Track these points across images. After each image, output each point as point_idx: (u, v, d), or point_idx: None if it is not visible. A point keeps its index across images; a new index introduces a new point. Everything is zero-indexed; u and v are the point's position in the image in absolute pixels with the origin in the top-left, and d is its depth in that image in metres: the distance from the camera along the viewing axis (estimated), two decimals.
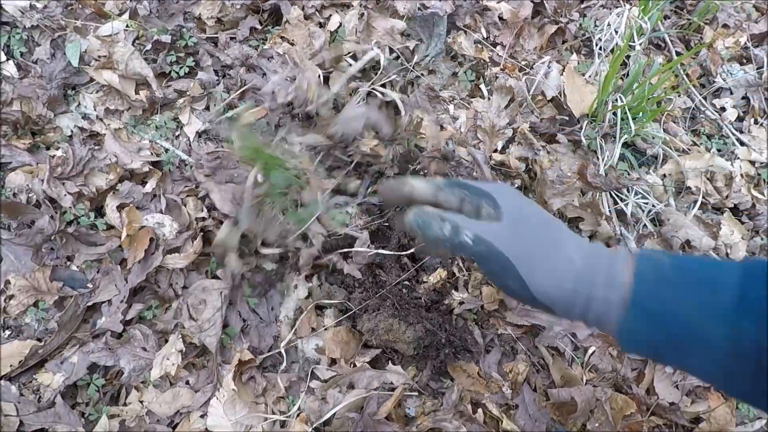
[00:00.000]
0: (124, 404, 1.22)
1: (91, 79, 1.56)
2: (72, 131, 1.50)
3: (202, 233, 1.39)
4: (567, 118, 1.66)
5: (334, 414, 1.25)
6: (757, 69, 1.87)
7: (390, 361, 1.39)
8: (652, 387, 1.44)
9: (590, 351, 1.45)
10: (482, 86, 1.76)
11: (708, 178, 1.67)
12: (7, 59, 1.54)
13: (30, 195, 1.36)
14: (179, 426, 1.22)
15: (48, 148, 1.46)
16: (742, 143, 1.77)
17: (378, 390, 1.31)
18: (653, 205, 1.59)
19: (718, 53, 1.89)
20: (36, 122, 1.46)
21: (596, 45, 1.79)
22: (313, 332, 1.39)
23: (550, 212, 1.52)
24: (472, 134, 1.69)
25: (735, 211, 1.67)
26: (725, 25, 1.94)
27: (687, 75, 1.84)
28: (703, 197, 1.64)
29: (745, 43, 1.91)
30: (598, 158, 1.62)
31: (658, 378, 1.43)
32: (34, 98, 1.46)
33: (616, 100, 1.63)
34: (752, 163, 1.74)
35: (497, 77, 1.73)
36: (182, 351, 1.26)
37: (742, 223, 1.63)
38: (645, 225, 1.58)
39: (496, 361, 1.42)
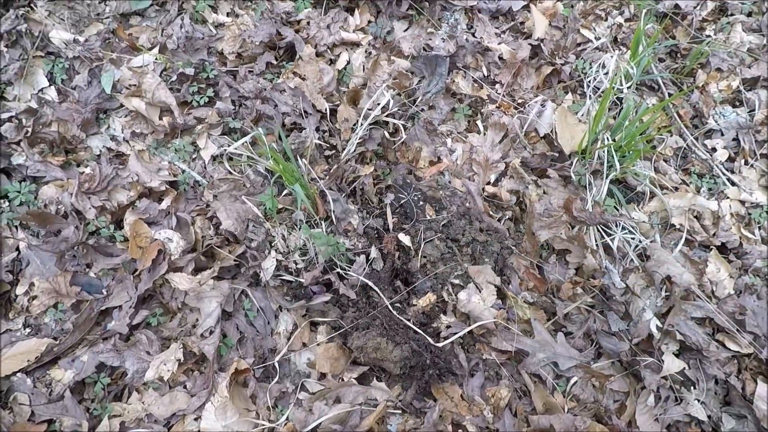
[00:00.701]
0: (127, 403, 1.32)
1: (121, 105, 1.73)
2: (101, 151, 1.66)
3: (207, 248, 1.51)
4: (558, 155, 1.75)
5: (319, 425, 1.32)
6: (749, 111, 1.93)
7: (377, 379, 1.46)
8: (633, 419, 1.46)
9: (572, 381, 1.49)
10: (479, 122, 1.86)
11: (695, 217, 1.72)
12: (50, 85, 1.73)
13: (59, 206, 1.51)
14: (174, 427, 1.31)
15: (78, 165, 1.62)
16: (732, 183, 1.81)
17: (362, 405, 1.37)
18: (640, 241, 1.64)
19: (710, 96, 1.96)
20: (70, 142, 1.63)
21: (587, 86, 1.89)
22: (305, 347, 1.48)
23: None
24: (467, 166, 1.79)
25: (723, 249, 1.70)
26: (718, 69, 2.01)
27: (679, 116, 1.91)
28: (690, 235, 1.69)
29: (738, 86, 1.98)
30: (587, 193, 1.70)
31: (639, 411, 1.46)
32: (70, 121, 1.63)
33: (605, 139, 1.71)
34: (742, 202, 1.78)
35: (493, 114, 1.83)
36: (180, 360, 1.36)
37: (730, 261, 1.66)
38: (632, 259, 1.64)
39: (480, 384, 1.47)
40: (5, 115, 1.61)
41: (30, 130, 1.57)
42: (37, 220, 1.47)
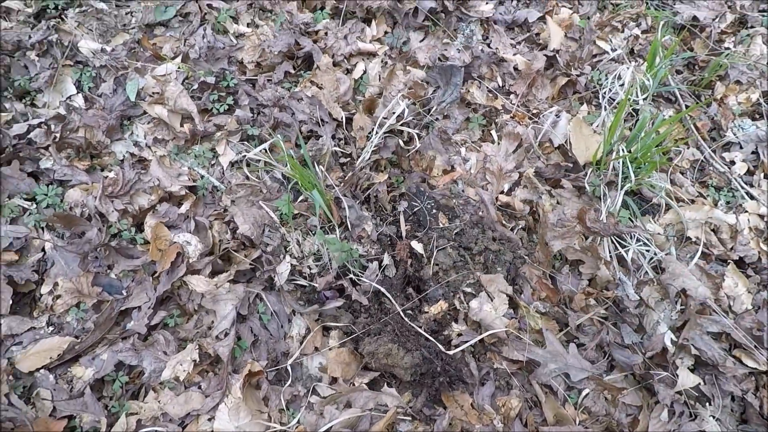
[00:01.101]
0: (143, 402, 1.35)
1: (144, 112, 1.79)
2: (124, 156, 1.71)
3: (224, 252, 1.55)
4: (572, 165, 1.75)
5: (330, 428, 1.33)
6: None
7: (387, 385, 1.47)
8: None
9: (584, 393, 1.48)
10: (493, 132, 1.88)
11: (712, 230, 1.69)
12: (77, 92, 1.80)
13: (83, 209, 1.57)
14: (188, 427, 1.34)
15: (102, 170, 1.68)
16: (751, 197, 1.79)
17: (373, 410, 1.39)
18: (654, 253, 1.63)
19: (729, 108, 1.94)
20: (95, 147, 1.69)
21: (603, 97, 1.89)
22: (317, 351, 1.50)
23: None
24: (481, 176, 1.80)
25: (741, 263, 1.68)
26: (738, 82, 1.99)
27: (696, 128, 1.89)
28: (708, 248, 1.67)
29: (758, 99, 1.95)
30: (601, 204, 1.69)
31: (652, 426, 1.44)
32: (96, 127, 1.69)
33: (621, 150, 1.70)
34: (761, 216, 1.75)
35: (507, 124, 1.85)
36: (195, 361, 1.40)
37: (748, 276, 1.64)
38: (646, 272, 1.62)
39: (490, 394, 1.47)
40: (35, 121, 1.68)
41: (58, 135, 1.64)
42: (62, 222, 1.53)
